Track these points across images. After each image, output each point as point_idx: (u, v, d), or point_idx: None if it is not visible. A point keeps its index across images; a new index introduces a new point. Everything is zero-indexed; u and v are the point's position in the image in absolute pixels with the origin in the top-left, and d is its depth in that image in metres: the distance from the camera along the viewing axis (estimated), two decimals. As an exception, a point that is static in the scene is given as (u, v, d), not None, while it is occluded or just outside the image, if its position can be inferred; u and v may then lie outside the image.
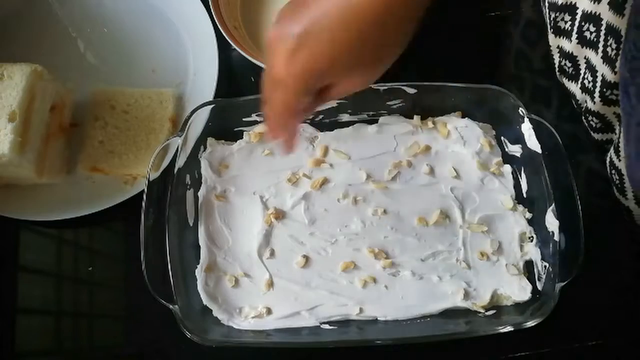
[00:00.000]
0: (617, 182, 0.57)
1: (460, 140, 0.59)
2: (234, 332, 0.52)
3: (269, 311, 0.53)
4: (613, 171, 0.57)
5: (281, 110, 0.42)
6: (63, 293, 0.57)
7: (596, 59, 0.55)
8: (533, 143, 0.56)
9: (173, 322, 0.49)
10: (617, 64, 0.52)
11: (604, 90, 0.55)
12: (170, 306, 0.50)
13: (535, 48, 0.66)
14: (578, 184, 0.53)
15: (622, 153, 0.54)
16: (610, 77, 0.54)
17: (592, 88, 0.57)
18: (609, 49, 0.53)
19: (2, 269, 0.58)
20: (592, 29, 0.55)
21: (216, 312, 0.53)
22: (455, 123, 0.60)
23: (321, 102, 0.44)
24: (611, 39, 0.52)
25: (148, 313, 0.54)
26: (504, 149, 0.60)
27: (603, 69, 0.54)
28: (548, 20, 0.62)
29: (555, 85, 0.64)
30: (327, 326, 0.53)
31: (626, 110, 0.46)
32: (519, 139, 0.58)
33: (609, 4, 0.52)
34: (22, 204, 0.58)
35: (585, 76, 0.58)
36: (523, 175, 0.58)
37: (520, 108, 0.57)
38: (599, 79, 0.55)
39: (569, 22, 0.58)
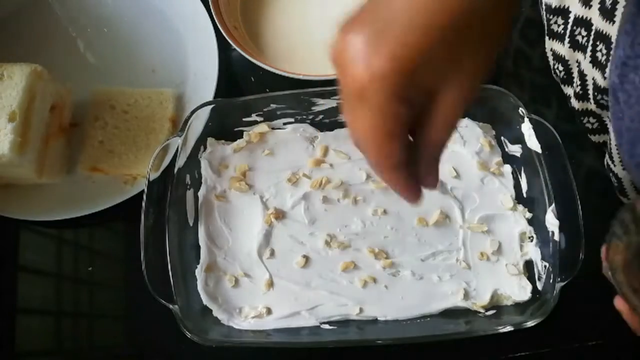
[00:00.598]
0: (616, 184, 0.57)
1: (460, 140, 0.59)
2: (234, 332, 0.52)
3: (269, 311, 0.53)
4: (611, 174, 0.57)
5: (371, 135, 0.31)
6: (63, 293, 0.57)
7: (585, 63, 0.55)
8: (533, 143, 0.56)
9: (173, 322, 0.49)
10: (607, 69, 0.52)
11: (596, 94, 0.55)
12: (170, 306, 0.50)
13: (535, 48, 0.66)
14: (578, 183, 0.53)
15: (615, 158, 0.54)
16: (601, 82, 0.54)
17: (584, 90, 0.57)
18: (598, 54, 0.53)
19: (2, 269, 0.58)
20: (584, 33, 0.55)
21: (216, 312, 0.53)
22: (455, 123, 0.60)
23: (433, 135, 0.33)
24: (601, 44, 0.52)
25: (148, 313, 0.54)
26: (504, 148, 0.60)
27: (594, 74, 0.54)
28: (545, 22, 0.62)
29: (555, 85, 0.64)
30: (327, 326, 0.53)
31: (616, 115, 0.46)
32: (519, 139, 0.58)
33: (599, 9, 0.52)
34: (22, 204, 0.58)
35: (579, 80, 0.58)
36: (523, 175, 0.58)
37: (520, 108, 0.57)
38: (590, 83, 0.55)
39: (562, 26, 0.58)
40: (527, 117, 0.56)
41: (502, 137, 0.60)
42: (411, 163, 0.34)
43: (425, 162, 0.35)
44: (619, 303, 0.41)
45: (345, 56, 0.30)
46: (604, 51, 0.52)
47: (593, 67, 0.54)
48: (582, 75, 0.56)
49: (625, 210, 0.41)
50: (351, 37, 0.30)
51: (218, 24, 0.61)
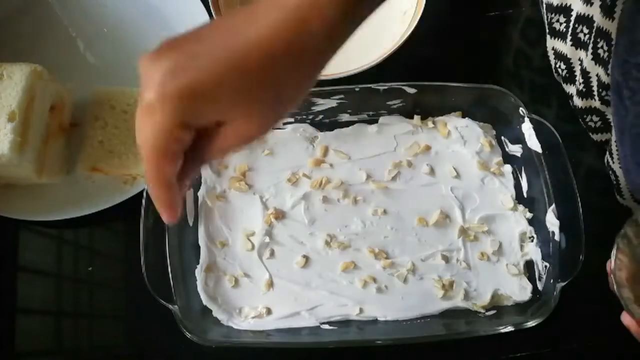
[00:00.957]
0: (615, 183, 0.57)
1: (460, 140, 0.59)
2: (233, 332, 0.52)
3: (269, 311, 0.53)
4: (610, 172, 0.57)
5: (152, 147, 0.33)
6: (63, 293, 0.57)
7: (587, 60, 0.55)
8: (533, 143, 0.56)
9: (173, 322, 0.49)
10: (609, 66, 0.52)
11: (601, 90, 0.55)
12: (170, 306, 0.50)
13: (535, 47, 0.66)
14: (578, 183, 0.53)
15: (614, 155, 0.54)
16: (605, 78, 0.54)
17: (588, 87, 0.57)
18: (600, 51, 0.53)
19: (2, 269, 0.58)
20: (586, 30, 0.55)
21: (216, 313, 0.53)
22: (456, 123, 0.60)
23: (205, 155, 0.36)
24: (602, 41, 0.52)
25: (148, 313, 0.54)
26: (504, 148, 0.59)
27: (597, 70, 0.54)
28: (546, 21, 0.62)
29: (555, 84, 0.64)
30: (327, 326, 0.53)
31: (619, 112, 0.46)
32: (519, 139, 0.58)
33: (600, 6, 0.52)
34: (22, 204, 0.58)
35: (583, 77, 0.58)
36: (523, 175, 0.58)
37: (520, 108, 0.57)
38: (594, 79, 0.55)
39: (564, 24, 0.58)
40: (528, 116, 0.56)
41: (502, 137, 0.60)
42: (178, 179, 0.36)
43: (188, 172, 0.37)
44: (626, 319, 0.41)
45: (150, 71, 0.33)
46: (605, 48, 0.52)
47: (596, 64, 0.54)
48: (584, 73, 0.56)
49: (629, 225, 0.41)
50: (162, 57, 0.33)
51: (218, 24, 0.61)
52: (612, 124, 0.57)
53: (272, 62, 0.32)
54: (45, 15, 0.67)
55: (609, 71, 0.52)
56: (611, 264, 0.40)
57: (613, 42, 0.50)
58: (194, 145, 0.35)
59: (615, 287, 0.40)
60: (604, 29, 0.52)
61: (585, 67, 0.56)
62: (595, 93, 0.56)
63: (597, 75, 0.55)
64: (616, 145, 0.53)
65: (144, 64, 0.33)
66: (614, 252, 0.41)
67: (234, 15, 0.34)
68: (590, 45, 0.54)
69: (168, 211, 0.37)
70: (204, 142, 0.35)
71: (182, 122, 0.33)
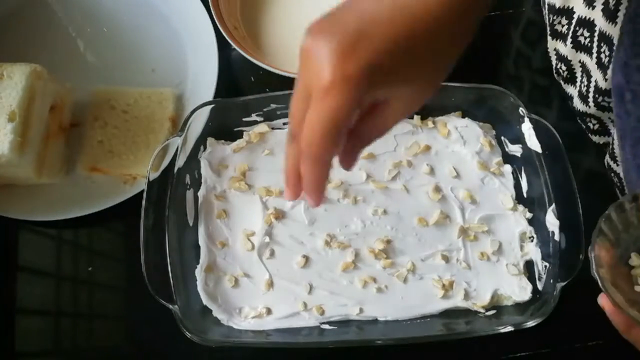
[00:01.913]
0: (618, 184, 0.57)
1: (460, 140, 0.59)
2: (233, 332, 0.52)
3: (269, 311, 0.53)
4: (612, 174, 0.57)
5: (328, 130, 0.32)
6: (63, 293, 0.57)
7: (591, 64, 0.55)
8: (533, 143, 0.56)
9: (173, 322, 0.49)
10: (609, 70, 0.52)
11: (596, 96, 0.55)
12: (170, 306, 0.50)
13: (536, 48, 0.66)
14: (578, 183, 0.53)
15: (618, 158, 0.54)
16: (602, 83, 0.54)
17: (585, 92, 0.57)
18: (602, 56, 0.53)
19: (2, 269, 0.58)
20: (587, 34, 0.55)
21: (216, 312, 0.53)
22: (455, 123, 0.60)
23: (371, 134, 0.37)
24: (604, 45, 0.52)
25: (148, 313, 0.54)
26: (504, 148, 0.59)
27: (597, 75, 0.54)
28: (547, 23, 0.62)
29: (555, 85, 0.64)
30: (327, 326, 0.53)
31: (620, 115, 0.46)
32: (519, 139, 0.58)
33: (602, 10, 0.52)
34: (22, 204, 0.58)
35: (582, 80, 0.58)
36: (523, 175, 0.58)
37: (520, 108, 0.57)
38: (592, 84, 0.55)
39: (566, 26, 0.58)
40: (528, 117, 0.56)
41: (502, 137, 0.60)
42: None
43: (354, 155, 0.38)
44: (602, 300, 0.41)
45: (318, 54, 0.32)
46: (607, 52, 0.52)
47: (598, 68, 0.54)
48: (588, 75, 0.56)
49: (613, 209, 0.41)
50: (325, 37, 0.32)
51: (218, 24, 0.61)
52: (609, 128, 0.57)
53: (439, 27, 0.32)
54: (45, 15, 0.67)
55: (607, 76, 0.52)
56: (593, 245, 0.41)
57: (614, 47, 0.50)
58: (353, 129, 0.35)
59: (594, 267, 0.41)
60: (607, 33, 0.52)
61: (590, 70, 0.56)
62: (591, 99, 0.56)
63: (595, 80, 0.55)
64: (619, 148, 0.53)
65: (311, 44, 0.32)
66: (595, 233, 0.41)
67: None
68: (595, 50, 0.54)
69: (319, 194, 0.38)
70: (364, 123, 0.35)
71: (357, 99, 0.32)
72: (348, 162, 0.39)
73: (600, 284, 0.40)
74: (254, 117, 0.59)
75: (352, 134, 0.36)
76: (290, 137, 0.36)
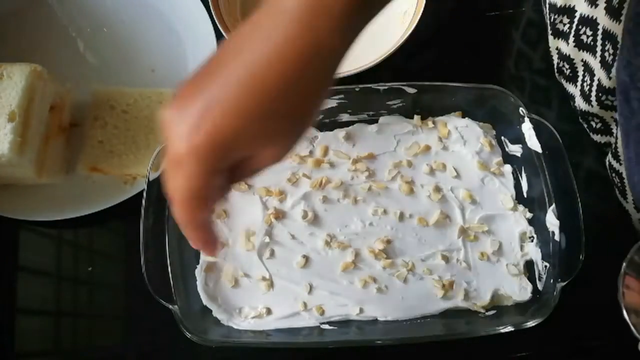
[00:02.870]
0: (619, 184, 0.57)
1: (460, 140, 0.59)
2: (233, 332, 0.52)
3: (269, 311, 0.53)
4: (613, 174, 0.57)
5: (186, 198, 0.34)
6: (63, 293, 0.57)
7: (594, 62, 0.55)
8: (533, 143, 0.56)
9: (173, 322, 0.49)
10: (613, 69, 0.51)
11: (600, 94, 0.55)
12: (170, 306, 0.50)
13: (536, 48, 0.66)
14: (578, 183, 0.53)
15: (621, 157, 0.54)
16: (605, 82, 0.54)
17: (588, 91, 0.57)
18: (606, 54, 0.53)
19: (2, 269, 0.58)
20: (589, 32, 0.55)
21: (216, 312, 0.53)
22: (456, 123, 0.60)
23: (239, 179, 0.38)
24: (608, 44, 0.52)
25: (148, 313, 0.54)
26: (504, 148, 0.59)
27: (600, 74, 0.54)
28: (548, 22, 0.62)
29: (555, 85, 0.64)
30: (327, 326, 0.53)
31: (624, 114, 0.46)
32: (519, 139, 0.58)
33: (605, 8, 0.52)
34: (22, 204, 0.58)
35: (585, 79, 0.58)
36: (523, 175, 0.58)
37: (520, 108, 0.57)
38: (595, 83, 0.55)
39: (567, 25, 0.58)
40: (528, 117, 0.56)
41: (502, 137, 0.60)
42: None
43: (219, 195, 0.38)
44: None
45: (171, 127, 0.33)
46: (611, 51, 0.52)
47: (601, 67, 0.54)
48: (591, 74, 0.56)
49: (636, 252, 0.40)
50: (182, 107, 0.33)
51: (218, 24, 0.61)
52: (611, 127, 0.57)
53: (288, 82, 0.32)
54: (45, 15, 0.67)
55: (611, 75, 0.52)
56: (619, 291, 0.40)
57: (619, 45, 0.49)
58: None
59: (625, 313, 0.40)
60: (611, 31, 0.51)
61: (593, 69, 0.56)
62: (594, 97, 0.56)
63: (598, 79, 0.55)
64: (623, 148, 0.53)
65: (167, 117, 0.33)
66: (621, 279, 0.40)
67: (240, 37, 0.34)
68: (599, 48, 0.54)
69: (207, 248, 0.39)
70: (238, 169, 0.36)
71: (213, 169, 0.33)
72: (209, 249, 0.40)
73: (634, 331, 0.40)
74: (254, 117, 0.59)
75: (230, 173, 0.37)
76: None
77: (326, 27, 0.32)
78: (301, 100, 0.33)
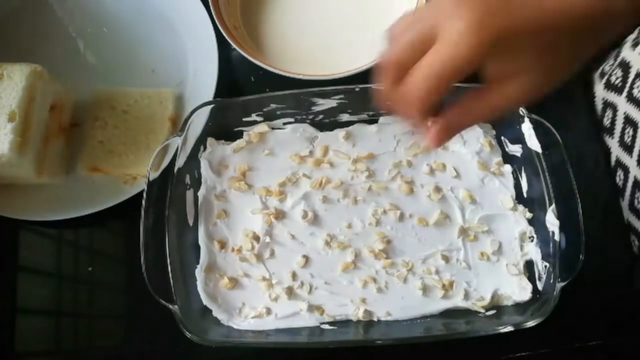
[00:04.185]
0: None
1: (460, 140, 0.59)
2: (233, 332, 0.52)
3: (269, 311, 0.53)
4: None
5: (437, 70, 0.34)
6: (63, 293, 0.57)
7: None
8: (533, 143, 0.56)
9: (173, 322, 0.49)
10: None
11: None
12: (170, 306, 0.50)
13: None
14: (578, 183, 0.53)
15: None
16: None
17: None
18: None
19: (2, 269, 0.58)
20: None
21: (216, 312, 0.53)
22: (456, 123, 0.60)
23: (474, 113, 0.37)
24: None
25: (148, 313, 0.54)
26: (504, 148, 0.59)
27: None
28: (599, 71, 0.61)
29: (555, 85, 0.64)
30: (327, 326, 0.53)
31: None
32: (519, 139, 0.58)
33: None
34: (22, 204, 0.58)
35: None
36: (523, 175, 0.58)
37: (520, 108, 0.57)
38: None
39: (621, 78, 0.58)
40: (528, 117, 0.56)
41: (502, 137, 0.60)
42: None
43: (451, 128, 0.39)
44: None
45: (465, 4, 0.33)
46: None
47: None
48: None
49: None
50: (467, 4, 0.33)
51: (218, 24, 0.61)
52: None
53: (588, 23, 0.33)
54: (45, 15, 0.67)
55: None
56: None
57: None
58: (461, 104, 0.36)
59: None
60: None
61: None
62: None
63: None
64: None
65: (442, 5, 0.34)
66: None
67: None
68: None
69: (445, 132, 0.38)
70: (473, 100, 0.36)
71: (480, 59, 0.33)
72: (439, 139, 0.38)
73: None
74: (254, 117, 0.59)
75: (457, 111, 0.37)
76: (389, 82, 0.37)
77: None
78: (584, 42, 0.34)
